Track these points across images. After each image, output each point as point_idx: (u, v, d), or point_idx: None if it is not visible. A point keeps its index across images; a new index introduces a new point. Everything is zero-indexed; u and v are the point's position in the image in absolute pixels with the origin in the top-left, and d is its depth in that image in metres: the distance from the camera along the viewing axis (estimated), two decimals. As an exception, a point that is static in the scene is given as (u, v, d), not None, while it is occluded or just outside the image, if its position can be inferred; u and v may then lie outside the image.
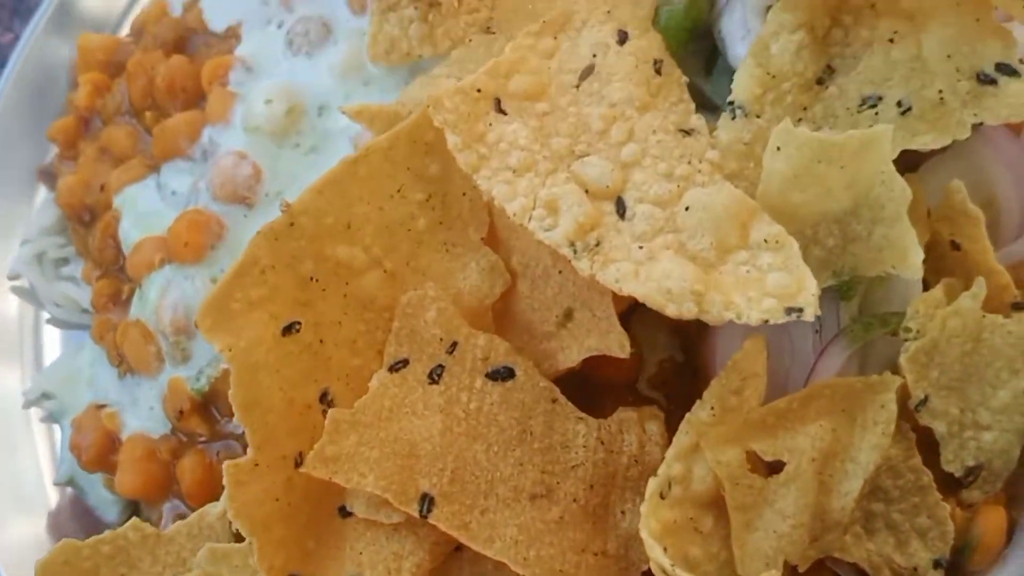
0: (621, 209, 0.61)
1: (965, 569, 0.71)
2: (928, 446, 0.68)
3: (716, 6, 0.73)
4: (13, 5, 1.09)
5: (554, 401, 0.63)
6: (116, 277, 0.82)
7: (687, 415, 0.65)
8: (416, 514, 0.58)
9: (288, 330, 0.60)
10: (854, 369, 0.69)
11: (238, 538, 0.67)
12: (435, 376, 0.62)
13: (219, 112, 0.77)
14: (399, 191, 0.63)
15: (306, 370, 0.61)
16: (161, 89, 0.80)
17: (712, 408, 0.65)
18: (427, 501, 0.58)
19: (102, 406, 0.78)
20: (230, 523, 0.67)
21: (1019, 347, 0.67)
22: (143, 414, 0.76)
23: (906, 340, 0.67)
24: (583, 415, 0.64)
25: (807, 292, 0.56)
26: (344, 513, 0.61)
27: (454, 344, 0.62)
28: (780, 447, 0.63)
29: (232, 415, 0.72)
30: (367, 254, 0.62)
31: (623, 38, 0.67)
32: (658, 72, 0.66)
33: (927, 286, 0.70)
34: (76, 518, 0.80)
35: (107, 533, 0.69)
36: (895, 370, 0.68)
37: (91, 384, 0.81)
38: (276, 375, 0.59)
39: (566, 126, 0.63)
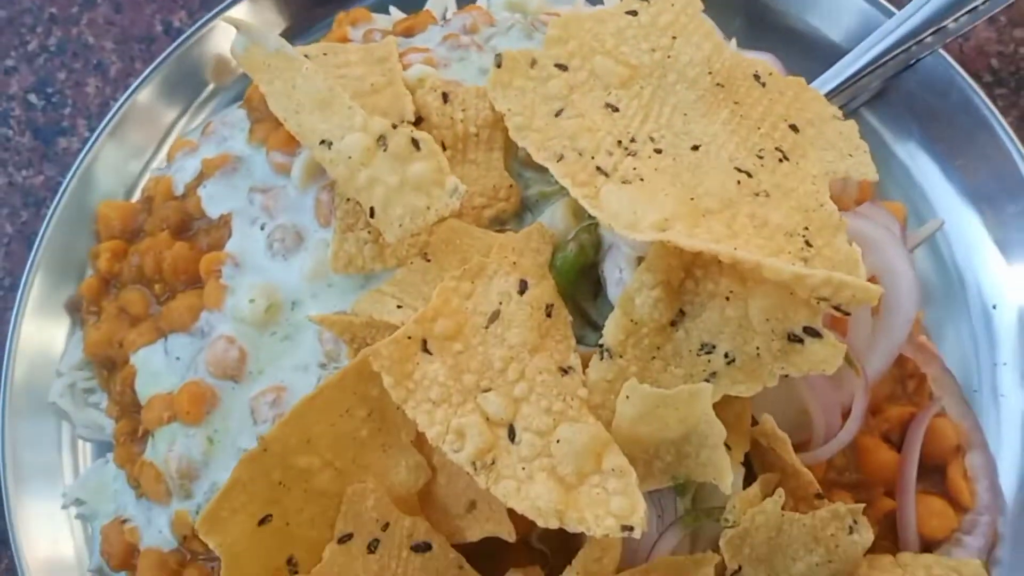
0: (512, 435, 0.78)
1: None
2: None
3: (600, 250, 0.90)
4: (44, 150, 1.25)
5: (460, 567, 0.81)
6: (134, 418, 0.98)
7: (560, 576, 0.83)
8: None
9: (263, 521, 0.78)
10: (686, 546, 0.85)
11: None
12: (372, 547, 0.80)
13: (214, 301, 0.93)
14: (347, 411, 0.80)
15: (277, 545, 0.79)
16: (167, 271, 0.97)
17: (578, 572, 0.81)
18: None
19: (124, 520, 0.97)
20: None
21: (811, 534, 0.83)
22: (155, 533, 0.94)
23: (725, 527, 0.82)
24: (486, 578, 0.82)
25: (638, 515, 0.74)
26: None
27: (387, 524, 0.80)
28: None
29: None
30: (321, 459, 0.80)
31: (523, 288, 0.82)
32: (548, 315, 0.82)
33: (753, 474, 0.88)
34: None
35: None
36: (717, 548, 0.82)
37: (115, 499, 1.00)
38: (254, 554, 0.78)
39: (475, 363, 0.79)
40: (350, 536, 0.81)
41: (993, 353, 1.01)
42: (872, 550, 0.86)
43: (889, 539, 0.92)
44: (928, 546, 0.93)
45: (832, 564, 0.85)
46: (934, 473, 0.96)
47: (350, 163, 0.88)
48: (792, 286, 0.75)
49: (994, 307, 1.02)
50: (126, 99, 1.12)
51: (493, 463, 0.77)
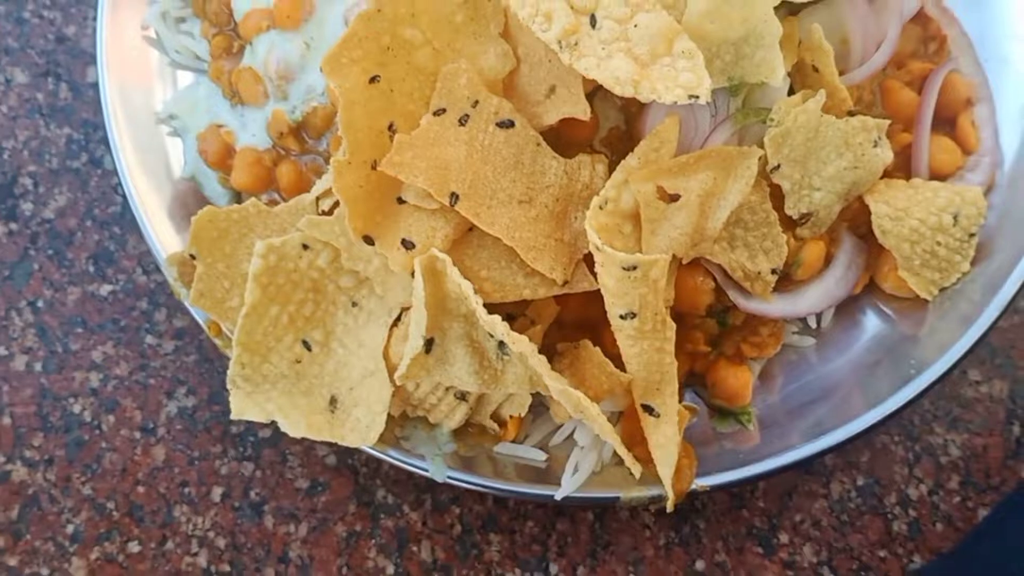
0: (593, 22, 0.88)
1: (793, 278, 1.00)
2: (779, 199, 0.96)
3: None
4: None
5: (538, 144, 0.92)
6: (228, 35, 1.07)
7: (622, 162, 0.93)
8: (448, 203, 0.88)
9: (372, 80, 0.89)
10: (735, 142, 0.95)
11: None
12: (463, 121, 0.90)
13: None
14: (447, -6, 0.92)
15: (381, 108, 0.90)
16: None
17: (639, 158, 0.92)
18: (454, 197, 0.87)
19: (220, 126, 1.08)
20: (317, 205, 0.98)
21: (844, 139, 0.95)
22: (251, 134, 1.05)
23: (770, 127, 0.93)
24: (556, 155, 0.92)
25: (703, 86, 0.85)
26: (400, 201, 0.91)
27: (476, 102, 0.90)
28: (679, 185, 0.90)
29: (317, 137, 1.05)
30: (423, 35, 0.90)
31: None
32: None
33: (794, 92, 0.99)
34: (196, 203, 1.08)
35: (235, 205, 0.97)
36: (761, 146, 0.94)
37: (208, 111, 1.09)
38: (363, 108, 0.88)
39: None
40: (443, 111, 0.91)
41: (1005, 26, 1.11)
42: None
43: (904, 171, 1.04)
44: (936, 178, 1.05)
45: (857, 171, 0.97)
46: (945, 124, 1.07)
47: None
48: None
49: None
50: None
51: (576, 44, 0.88)
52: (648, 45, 0.87)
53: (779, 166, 0.95)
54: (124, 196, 1.16)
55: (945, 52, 1.09)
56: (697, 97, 0.85)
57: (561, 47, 0.88)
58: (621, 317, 0.89)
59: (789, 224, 0.98)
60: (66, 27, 1.23)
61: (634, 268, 0.86)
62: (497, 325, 0.86)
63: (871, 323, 1.06)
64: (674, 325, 0.90)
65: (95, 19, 1.19)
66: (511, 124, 0.92)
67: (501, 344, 0.89)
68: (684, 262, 0.95)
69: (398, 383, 0.93)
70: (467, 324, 0.90)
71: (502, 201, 0.91)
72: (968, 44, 1.09)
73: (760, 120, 0.96)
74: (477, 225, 0.90)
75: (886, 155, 0.99)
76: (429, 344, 0.90)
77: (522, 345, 0.87)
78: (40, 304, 1.16)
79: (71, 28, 1.23)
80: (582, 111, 0.92)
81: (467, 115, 0.91)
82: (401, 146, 0.88)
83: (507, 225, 0.90)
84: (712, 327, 1.02)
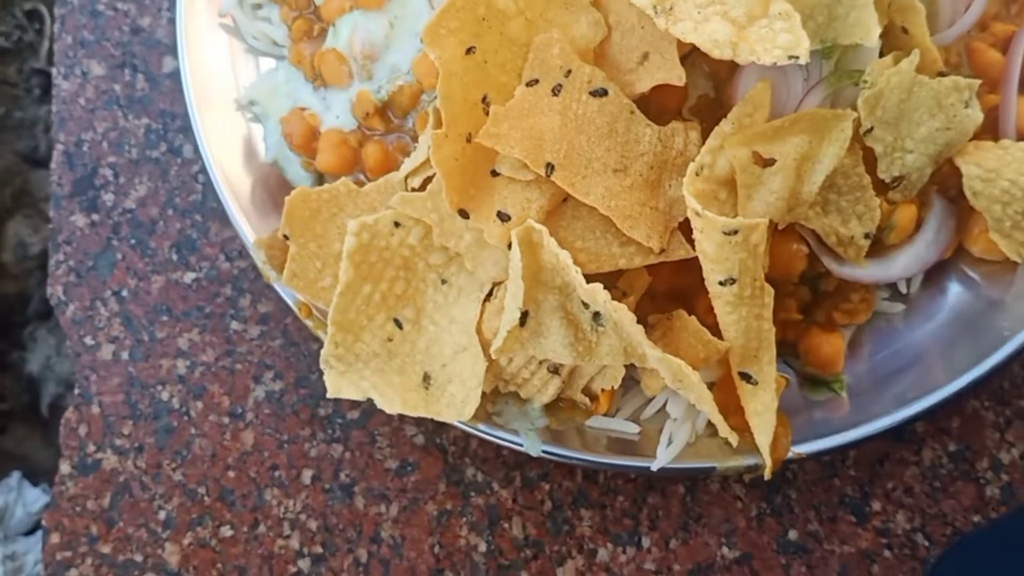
0: None
1: (885, 243, 0.99)
2: (870, 162, 0.96)
3: None
4: None
5: (632, 112, 0.92)
6: (308, 18, 1.08)
7: (716, 128, 0.92)
8: (543, 174, 0.88)
9: (468, 51, 0.89)
10: (828, 105, 0.95)
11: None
12: (556, 91, 0.90)
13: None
14: (539, -34, 0.92)
15: (476, 80, 0.90)
16: None
17: (732, 123, 0.92)
18: (550, 167, 0.88)
19: (303, 109, 1.08)
20: (406, 184, 0.99)
21: (936, 100, 0.94)
22: (335, 116, 1.05)
23: (863, 89, 0.93)
24: (650, 123, 0.92)
25: (802, 46, 0.84)
26: (494, 174, 0.91)
27: (569, 71, 0.91)
28: (774, 150, 0.90)
29: (402, 116, 1.05)
30: (516, 6, 0.91)
31: None
32: None
33: (882, 55, 0.99)
34: (279, 187, 1.09)
35: (326, 185, 0.98)
36: (854, 109, 0.93)
37: (289, 95, 1.09)
38: (460, 80, 0.88)
39: None
40: (536, 81, 0.91)
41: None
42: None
43: (991, 133, 1.03)
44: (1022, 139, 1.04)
45: (949, 132, 0.97)
46: (1033, 83, 1.07)
47: None
48: None
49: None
50: None
51: (671, 8, 0.88)
52: (744, 7, 0.87)
53: (872, 128, 0.95)
54: (204, 184, 1.17)
55: (1027, 12, 1.09)
56: (797, 57, 0.84)
57: (656, 12, 0.88)
58: (720, 283, 0.89)
59: (881, 188, 0.98)
60: (141, 18, 1.23)
61: (735, 232, 0.86)
62: (598, 293, 0.86)
63: (958, 289, 1.05)
64: (772, 291, 0.90)
65: (169, 10, 1.21)
66: (604, 92, 0.92)
67: (596, 315, 0.89)
68: (780, 227, 0.94)
69: (493, 357, 0.93)
70: (562, 296, 0.90)
71: (597, 170, 0.91)
72: (1049, 4, 1.09)
73: (853, 82, 0.95)
74: (572, 195, 0.90)
75: (977, 116, 0.98)
76: (524, 317, 0.90)
77: (621, 313, 0.87)
78: (125, 293, 1.17)
79: (146, 19, 1.24)
80: (677, 76, 0.92)
81: (560, 85, 0.91)
82: (497, 117, 0.89)
83: (602, 194, 0.90)
84: (805, 294, 1.02)
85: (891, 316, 1.06)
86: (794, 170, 0.91)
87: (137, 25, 1.23)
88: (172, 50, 1.21)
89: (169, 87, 1.21)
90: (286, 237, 0.98)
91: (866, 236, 0.97)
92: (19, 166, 1.66)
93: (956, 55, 1.04)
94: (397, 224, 0.94)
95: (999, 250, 1.01)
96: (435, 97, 0.90)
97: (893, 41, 0.98)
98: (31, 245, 1.66)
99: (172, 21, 1.20)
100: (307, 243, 0.99)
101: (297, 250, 0.99)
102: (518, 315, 0.88)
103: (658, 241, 0.92)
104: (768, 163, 0.91)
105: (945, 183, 1.02)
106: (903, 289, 1.05)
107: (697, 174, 0.90)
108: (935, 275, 1.06)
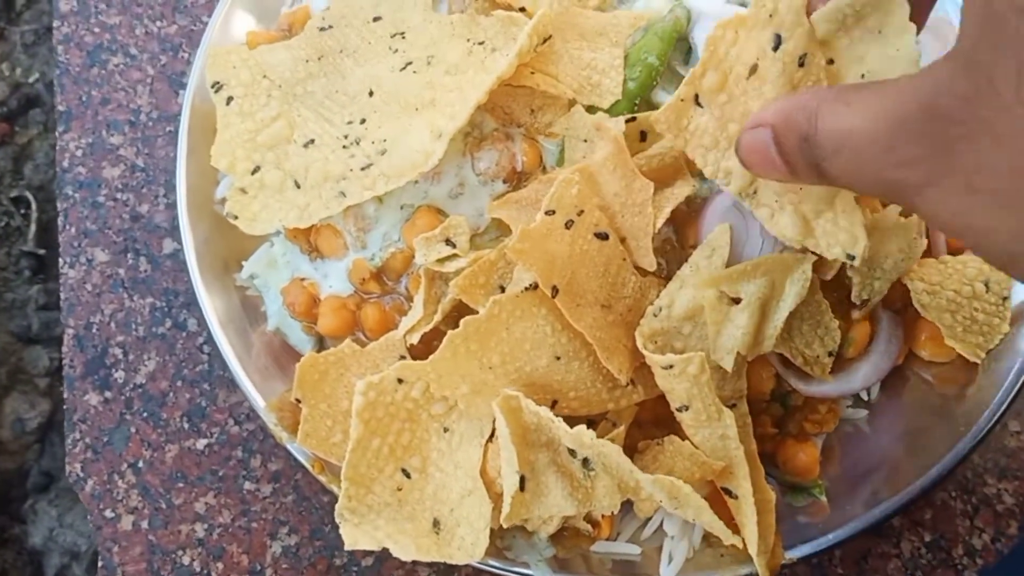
0: None
1: (844, 357, 1.08)
2: (825, 285, 1.06)
3: (691, 23, 1.11)
4: (174, 3, 1.44)
5: (624, 259, 1.02)
6: None
7: (677, 272, 1.02)
8: (549, 294, 0.96)
9: None
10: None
11: (410, 353, 1.10)
12: (568, 225, 0.99)
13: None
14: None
15: None
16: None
17: (692, 267, 1.02)
18: (555, 290, 0.96)
19: (302, 279, 1.17)
20: (405, 340, 1.07)
21: (904, 239, 1.05)
22: (333, 283, 1.14)
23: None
24: (635, 272, 1.02)
25: (860, 245, 0.86)
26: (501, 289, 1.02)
27: (581, 211, 1.00)
28: (739, 290, 0.99)
29: (396, 279, 1.15)
30: None
31: (777, 43, 0.82)
32: (801, 65, 0.82)
33: None
34: (282, 352, 1.17)
35: (332, 349, 1.07)
36: None
37: (287, 266, 1.18)
38: None
39: (738, 113, 0.88)
40: (553, 212, 0.99)
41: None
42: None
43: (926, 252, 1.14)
44: (952, 253, 1.15)
45: (908, 260, 1.07)
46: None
47: None
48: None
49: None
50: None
51: (755, 193, 0.92)
52: (814, 201, 0.89)
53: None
54: (209, 354, 1.25)
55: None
56: (853, 257, 0.87)
57: (742, 197, 0.92)
58: (677, 410, 0.99)
59: (835, 305, 1.07)
60: (140, 206, 1.33)
61: (670, 367, 0.95)
62: (583, 435, 0.93)
63: (915, 389, 1.15)
64: (731, 413, 0.98)
65: (166, 196, 1.31)
66: (606, 237, 1.02)
67: (585, 461, 0.96)
68: (749, 359, 1.04)
69: (504, 526, 0.99)
70: (551, 451, 0.97)
71: (589, 302, 1.00)
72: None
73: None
74: (569, 319, 0.98)
75: (923, 243, 1.09)
76: (523, 481, 0.97)
77: (608, 448, 0.94)
78: (140, 465, 1.23)
79: (144, 206, 1.33)
80: (648, 264, 1.04)
81: (572, 220, 1.00)
82: (523, 235, 0.96)
83: (590, 324, 0.99)
84: (777, 409, 1.11)
85: (857, 421, 1.15)
86: (759, 308, 1.00)
87: (137, 212, 1.33)
88: (171, 233, 1.30)
89: (170, 267, 1.30)
90: (298, 400, 1.06)
91: (829, 354, 1.07)
92: (13, 345, 1.73)
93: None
94: (400, 380, 1.02)
95: (945, 352, 1.11)
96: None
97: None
98: (28, 420, 1.71)
99: (169, 206, 1.30)
100: (318, 404, 1.07)
101: (309, 411, 1.06)
102: (517, 480, 0.96)
103: (626, 375, 1.00)
104: (735, 301, 1.01)
105: (890, 298, 1.12)
106: (865, 397, 1.14)
107: (655, 315, 1.01)
108: (892, 380, 1.15)
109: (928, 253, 1.14)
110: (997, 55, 0.57)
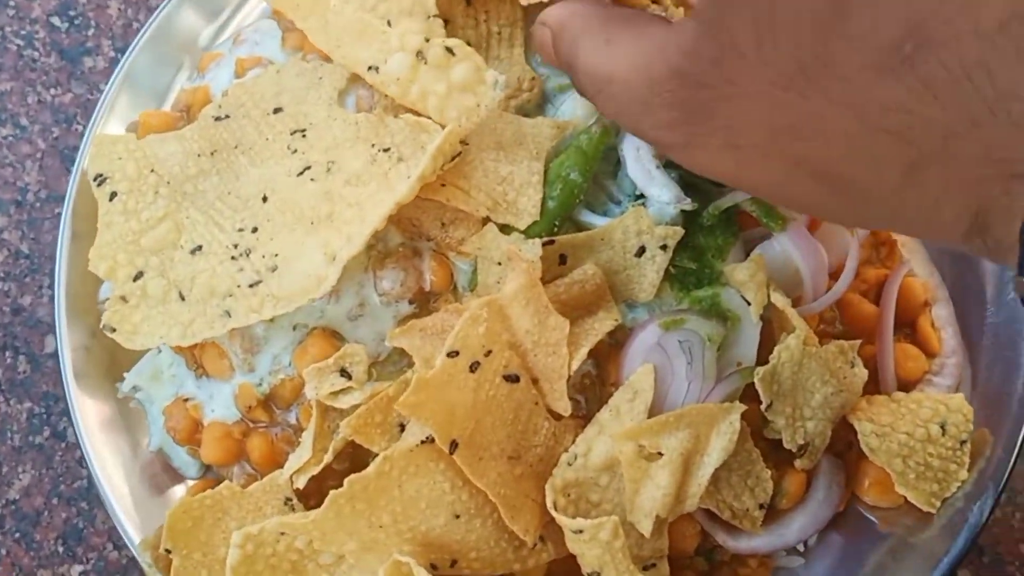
0: None
1: (777, 508, 1.00)
2: (758, 432, 0.98)
3: (620, 132, 1.01)
4: (70, 69, 1.30)
5: (536, 404, 0.92)
6: None
7: (595, 416, 0.93)
8: (447, 451, 0.86)
9: None
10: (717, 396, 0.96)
11: (297, 495, 0.99)
12: (473, 367, 0.89)
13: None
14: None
15: None
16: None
17: (611, 410, 0.93)
18: (454, 445, 0.86)
19: (187, 399, 1.06)
20: (292, 483, 0.96)
21: (825, 367, 0.96)
22: (219, 407, 1.03)
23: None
24: (548, 416, 0.93)
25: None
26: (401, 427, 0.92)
27: (489, 351, 0.90)
28: (661, 444, 0.90)
29: (286, 408, 1.04)
30: None
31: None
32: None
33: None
34: (165, 471, 1.07)
35: (208, 491, 0.95)
36: (740, 397, 0.95)
37: (172, 380, 1.07)
38: None
39: None
40: (456, 353, 0.89)
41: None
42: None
43: (871, 382, 1.05)
44: (904, 387, 1.06)
45: (842, 394, 0.98)
46: (906, 326, 1.10)
47: (400, 83, 0.97)
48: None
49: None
50: (155, 17, 1.17)
51: None
52: None
53: (772, 403, 0.95)
54: (89, 470, 1.13)
55: (897, 256, 1.12)
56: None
57: None
58: (588, 575, 0.90)
59: (767, 454, 0.98)
60: (21, 297, 1.21)
61: (580, 531, 0.87)
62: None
63: (857, 534, 1.05)
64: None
65: (50, 287, 1.19)
66: (517, 379, 0.92)
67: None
68: (671, 520, 0.94)
69: None
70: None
71: (495, 454, 0.90)
72: (917, 245, 1.12)
73: (748, 381, 0.96)
74: (469, 476, 0.88)
75: (863, 373, 1.00)
76: None
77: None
78: (9, 592, 1.12)
79: (27, 298, 1.21)
80: (563, 408, 0.94)
81: (478, 362, 0.90)
82: (419, 385, 0.86)
83: (494, 480, 0.89)
84: (701, 564, 1.01)
85: (794, 569, 1.06)
86: (681, 464, 0.91)
87: (18, 304, 1.21)
88: (55, 329, 1.18)
89: (51, 368, 1.19)
90: (168, 551, 0.95)
91: (760, 507, 0.97)
92: None
93: (831, 311, 1.06)
94: (283, 532, 0.92)
95: (893, 498, 1.02)
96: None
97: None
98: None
99: (53, 299, 1.18)
100: (191, 553, 0.96)
101: (180, 562, 0.95)
102: (409, 647, 0.86)
103: (533, 535, 0.91)
104: (654, 457, 0.91)
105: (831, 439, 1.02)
106: (800, 548, 1.05)
107: (570, 464, 0.91)
108: (833, 521, 1.05)
109: (875, 389, 1.05)
110: (735, 13, 0.58)
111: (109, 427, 1.09)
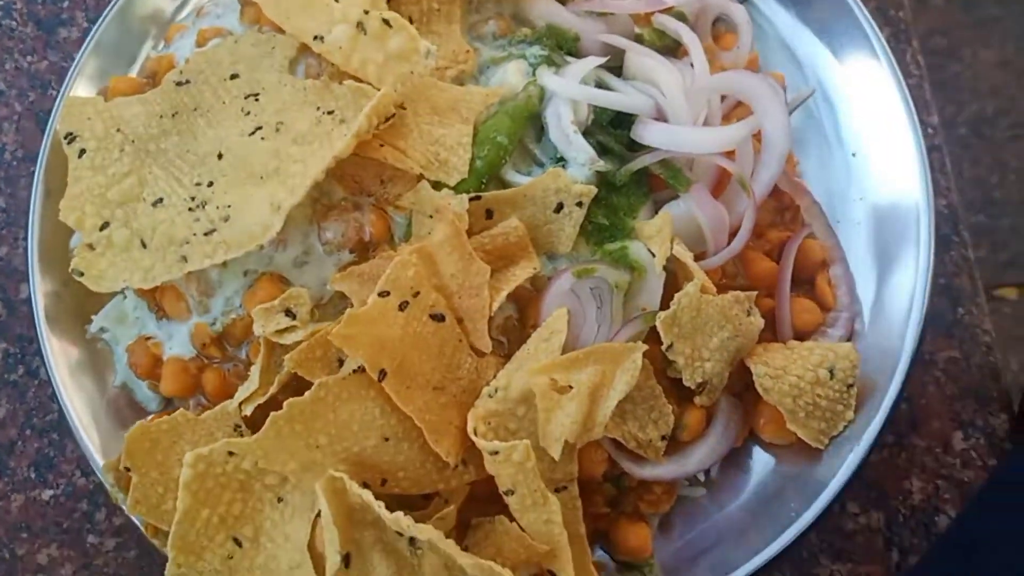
0: None
1: (681, 441, 1.10)
2: (660, 370, 1.08)
3: (544, 100, 1.13)
4: (46, 38, 1.40)
5: (460, 341, 1.02)
6: None
7: (515, 354, 1.04)
8: (376, 378, 0.95)
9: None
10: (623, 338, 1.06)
11: (245, 422, 1.09)
12: (402, 306, 0.99)
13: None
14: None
15: None
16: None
17: (530, 349, 1.04)
18: (383, 373, 0.95)
19: (148, 338, 1.16)
20: (240, 410, 1.05)
21: (722, 313, 1.05)
22: (177, 345, 1.14)
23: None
24: (472, 353, 1.02)
25: None
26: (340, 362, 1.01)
27: (417, 292, 1.00)
28: (571, 378, 0.99)
29: (236, 346, 1.14)
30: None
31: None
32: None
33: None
34: (129, 406, 1.18)
35: (164, 417, 1.05)
36: (645, 339, 1.06)
37: (136, 324, 1.18)
38: None
39: None
40: (388, 293, 0.99)
41: (851, 191, 1.25)
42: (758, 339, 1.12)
43: (769, 331, 1.16)
44: (800, 337, 1.17)
45: (738, 339, 1.08)
46: (804, 283, 1.20)
47: (342, 51, 1.07)
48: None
49: (853, 155, 1.27)
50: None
51: None
52: None
53: (672, 344, 1.04)
54: (60, 405, 1.23)
55: (799, 220, 1.23)
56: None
57: None
58: (504, 493, 0.99)
59: (670, 391, 1.09)
60: (-2, 248, 1.31)
61: (496, 453, 0.96)
62: (401, 520, 0.93)
63: (756, 468, 1.16)
64: (556, 500, 0.98)
65: (25, 239, 1.29)
66: (442, 318, 1.02)
67: (412, 540, 0.96)
68: (579, 446, 1.04)
69: None
70: (377, 529, 0.97)
71: (420, 385, 1.00)
72: (819, 211, 1.23)
73: (649, 325, 1.06)
74: (396, 402, 0.98)
75: (759, 321, 1.10)
76: (347, 559, 0.97)
77: (428, 532, 0.93)
78: (-16, 514, 1.23)
79: (3, 248, 1.31)
80: (484, 345, 1.04)
81: (407, 302, 1.00)
82: (351, 320, 0.96)
83: (420, 407, 0.98)
84: (610, 490, 1.12)
85: (697, 498, 1.16)
86: (588, 396, 1.00)
87: (-6, 253, 1.31)
88: (28, 277, 1.28)
89: (26, 312, 1.28)
90: (127, 469, 1.05)
91: (663, 438, 1.08)
92: None
93: (733, 265, 1.16)
94: (231, 453, 1.02)
95: (786, 435, 1.12)
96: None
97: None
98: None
99: (27, 250, 1.28)
100: (148, 471, 1.06)
101: (139, 479, 1.05)
102: (339, 559, 0.95)
103: (455, 457, 1.00)
104: (565, 390, 1.01)
105: (730, 381, 1.13)
106: (701, 478, 1.15)
107: (491, 396, 1.01)
108: (734, 457, 1.16)
109: (773, 338, 1.16)
110: None
111: (78, 366, 1.19)
